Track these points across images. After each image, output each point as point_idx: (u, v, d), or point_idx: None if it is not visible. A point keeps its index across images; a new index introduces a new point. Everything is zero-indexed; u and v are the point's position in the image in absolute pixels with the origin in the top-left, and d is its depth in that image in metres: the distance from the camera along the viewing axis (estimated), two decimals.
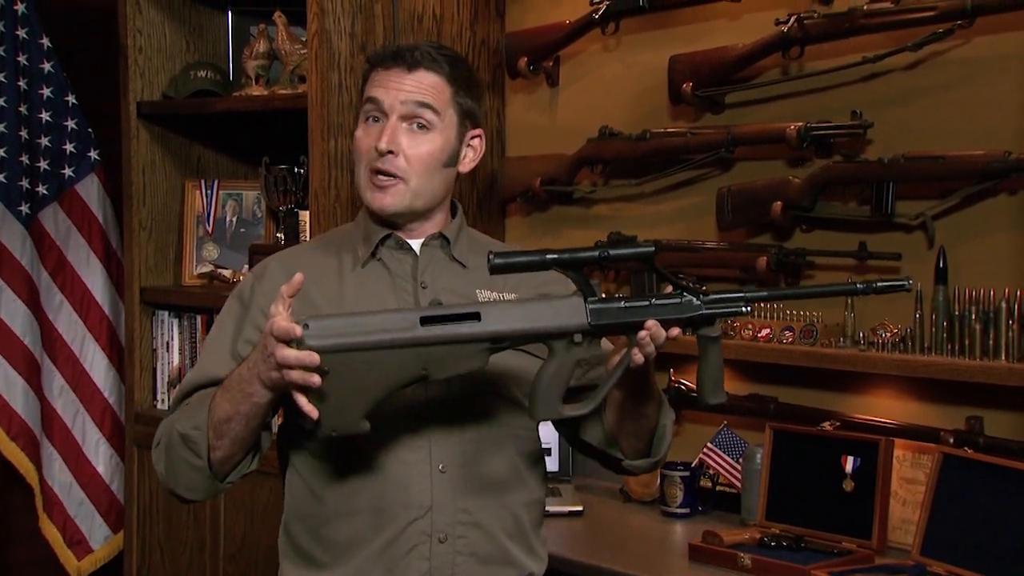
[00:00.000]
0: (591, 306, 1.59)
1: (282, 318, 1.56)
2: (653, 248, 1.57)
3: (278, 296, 1.59)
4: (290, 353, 1.54)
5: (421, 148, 1.78)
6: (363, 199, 1.81)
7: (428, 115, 1.78)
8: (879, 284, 1.61)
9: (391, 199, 1.78)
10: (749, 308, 1.61)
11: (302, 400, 1.57)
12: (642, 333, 1.58)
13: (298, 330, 1.53)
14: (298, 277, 1.59)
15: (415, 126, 1.78)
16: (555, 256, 1.57)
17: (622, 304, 1.59)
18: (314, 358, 1.53)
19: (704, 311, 1.59)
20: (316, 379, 1.54)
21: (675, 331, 1.61)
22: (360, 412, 1.59)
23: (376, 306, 1.79)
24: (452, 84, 1.81)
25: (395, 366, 1.57)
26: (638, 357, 1.60)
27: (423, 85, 1.78)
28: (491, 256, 1.57)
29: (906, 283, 1.62)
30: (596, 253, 1.57)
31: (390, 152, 1.76)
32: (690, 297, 1.59)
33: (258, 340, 1.64)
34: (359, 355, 1.55)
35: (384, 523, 1.75)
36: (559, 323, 1.59)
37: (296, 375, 1.55)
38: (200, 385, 1.80)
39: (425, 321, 1.57)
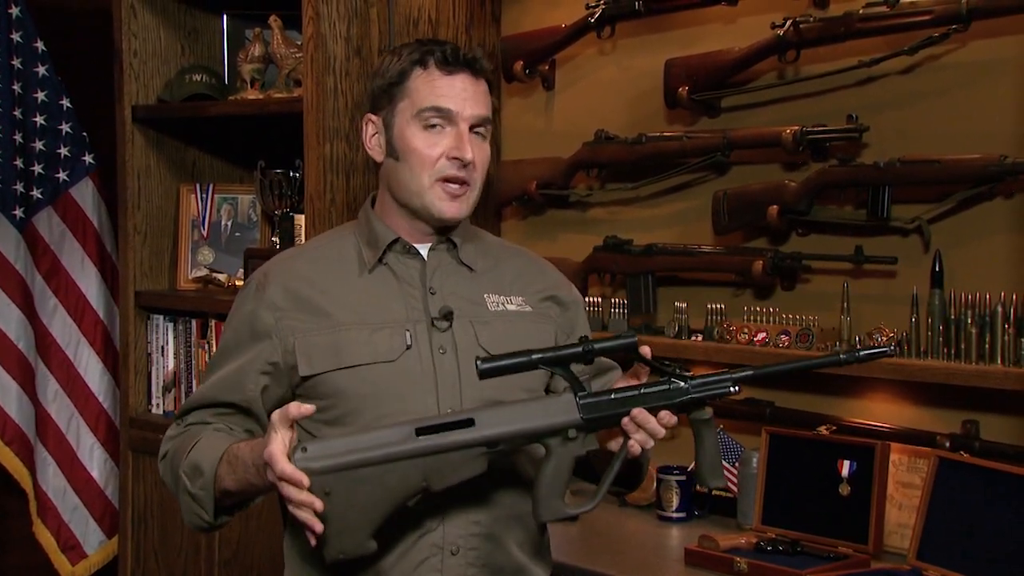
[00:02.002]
0: (582, 401, 1.62)
1: (282, 446, 1.55)
2: (635, 337, 1.61)
3: (283, 413, 1.58)
4: (298, 497, 1.55)
5: (483, 155, 1.80)
6: (424, 206, 1.78)
7: (489, 125, 1.81)
8: (862, 353, 1.64)
9: (462, 206, 1.79)
10: (738, 388, 1.64)
11: (309, 533, 1.58)
12: (626, 420, 1.61)
13: (305, 481, 1.54)
14: (309, 408, 1.59)
15: (478, 134, 1.79)
16: (540, 356, 1.60)
17: (612, 396, 1.62)
18: (317, 505, 1.54)
19: (692, 394, 1.62)
20: (319, 527, 1.56)
21: (666, 416, 1.62)
22: (366, 532, 1.61)
23: (384, 312, 1.78)
24: (491, 90, 1.83)
25: (395, 480, 1.59)
26: (635, 448, 1.62)
27: (485, 93, 1.80)
28: (478, 362, 1.59)
29: (888, 349, 1.67)
30: (580, 349, 1.60)
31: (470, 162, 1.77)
32: (678, 382, 1.62)
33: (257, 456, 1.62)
34: (359, 473, 1.58)
35: (395, 537, 1.74)
36: (552, 421, 1.62)
37: (302, 514, 1.56)
38: (205, 404, 1.83)
39: (420, 432, 1.60)
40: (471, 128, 1.77)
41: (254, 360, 1.79)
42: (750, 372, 1.66)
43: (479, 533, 1.76)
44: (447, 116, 1.76)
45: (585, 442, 1.64)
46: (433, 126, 1.77)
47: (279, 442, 1.56)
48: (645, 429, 1.61)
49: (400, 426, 1.61)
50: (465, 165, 1.76)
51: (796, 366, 1.73)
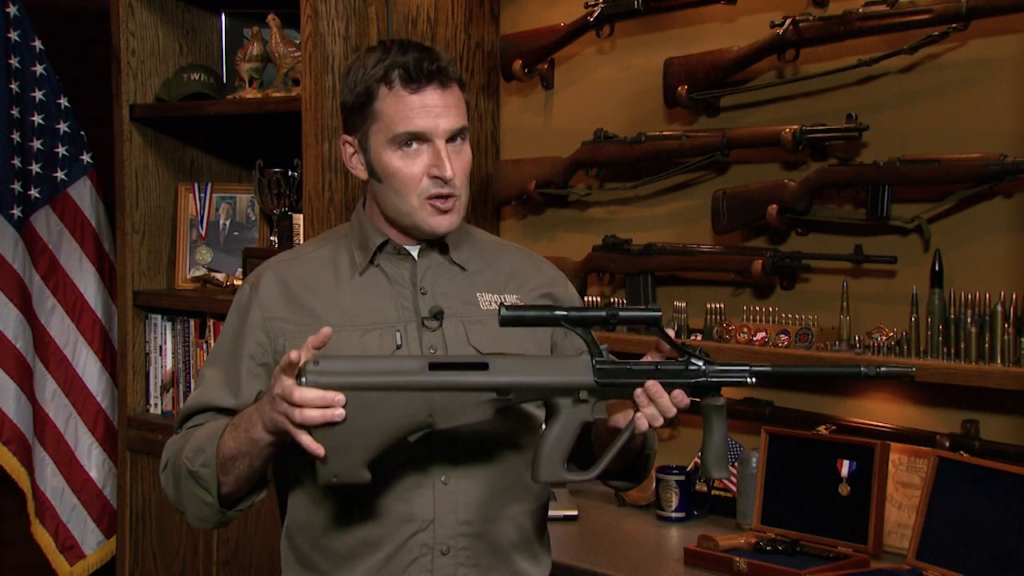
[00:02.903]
0: (598, 365, 1.61)
1: (295, 361, 1.54)
2: (659, 312, 1.60)
3: (305, 346, 1.57)
4: (311, 394, 1.54)
5: (463, 162, 1.78)
6: (416, 224, 1.77)
7: (465, 131, 1.78)
8: (883, 369, 1.63)
9: (453, 218, 1.77)
10: (754, 380, 1.63)
11: (307, 439, 1.56)
12: (638, 391, 1.60)
13: (340, 398, 1.53)
14: (326, 331, 1.58)
15: (456, 142, 1.77)
16: (564, 313, 1.59)
17: (628, 366, 1.62)
18: (339, 398, 1.53)
19: (709, 378, 1.62)
20: (340, 412, 1.54)
21: (679, 395, 1.61)
22: (363, 458, 1.59)
23: (375, 314, 1.78)
24: (463, 90, 1.80)
25: (401, 409, 1.58)
26: (642, 423, 1.61)
27: (457, 100, 1.77)
28: (501, 308, 1.58)
29: (910, 371, 1.65)
30: (604, 314, 1.60)
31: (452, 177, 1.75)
32: (696, 363, 1.62)
33: (268, 382, 1.62)
34: (366, 395, 1.57)
35: (386, 535, 1.74)
36: (566, 379, 1.61)
37: (315, 414, 1.54)
38: (200, 409, 1.81)
39: (433, 367, 1.59)
40: (450, 139, 1.75)
41: (247, 362, 1.79)
42: (769, 368, 1.65)
43: (469, 533, 1.75)
44: (421, 137, 1.74)
45: (595, 409, 1.62)
46: (409, 145, 1.74)
47: (287, 360, 1.54)
48: (657, 404, 1.60)
49: (414, 358, 1.61)
50: (447, 181, 1.74)
51: (817, 371, 1.73)
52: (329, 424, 1.54)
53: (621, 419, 1.66)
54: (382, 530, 1.73)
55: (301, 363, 1.55)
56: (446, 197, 1.75)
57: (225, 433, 1.69)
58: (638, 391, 1.60)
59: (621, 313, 1.59)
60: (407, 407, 1.58)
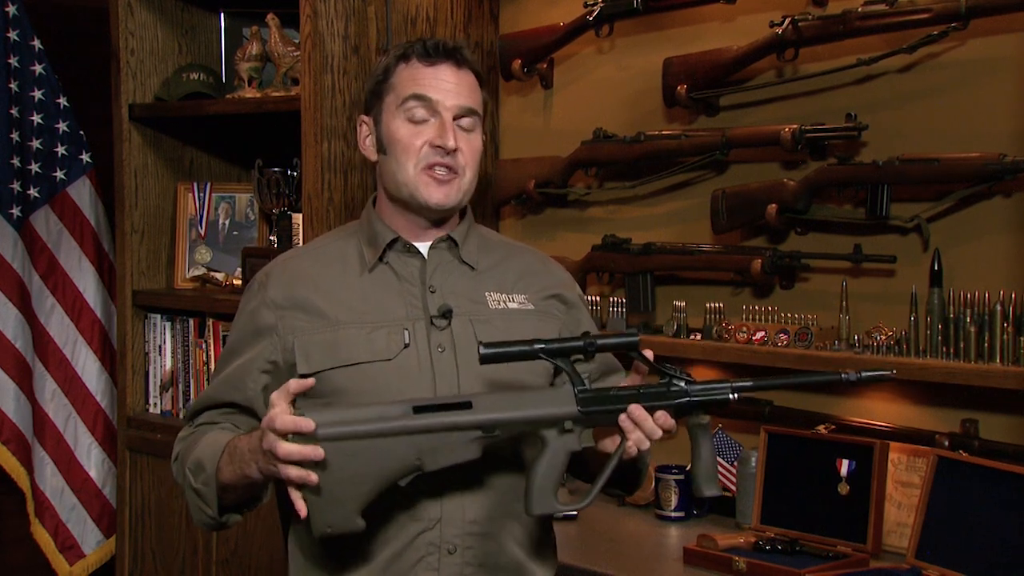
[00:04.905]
0: (580, 394, 1.62)
1: (283, 411, 1.56)
2: (637, 336, 1.62)
3: (282, 389, 1.59)
4: (293, 448, 1.55)
5: (474, 144, 1.80)
6: (412, 195, 1.78)
7: (474, 116, 1.81)
8: (865, 374, 1.63)
9: (450, 192, 1.78)
10: (736, 396, 1.64)
11: (295, 495, 1.58)
12: (623, 417, 1.61)
13: (310, 424, 1.54)
14: (309, 382, 1.60)
15: (465, 124, 1.79)
16: (543, 346, 1.61)
17: (610, 392, 1.63)
18: (318, 452, 1.54)
19: (691, 397, 1.63)
20: (314, 478, 1.55)
21: (662, 417, 1.62)
22: (355, 507, 1.60)
23: (383, 311, 1.78)
24: (480, 83, 1.83)
25: (389, 455, 1.59)
26: (631, 449, 1.63)
27: (471, 85, 1.80)
28: (480, 347, 1.60)
29: (890, 374, 1.66)
30: (581, 343, 1.61)
31: (455, 149, 1.76)
32: (678, 384, 1.63)
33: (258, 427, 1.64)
34: (353, 444, 1.57)
35: (392, 534, 1.74)
36: (550, 411, 1.62)
37: (294, 472, 1.55)
38: (211, 405, 1.84)
39: (417, 410, 1.60)
40: (457, 117, 1.78)
41: (255, 359, 1.80)
42: (750, 383, 1.66)
43: (476, 532, 1.76)
44: (429, 106, 1.77)
45: (581, 437, 1.64)
46: (418, 120, 1.77)
47: (276, 411, 1.57)
48: (642, 428, 1.61)
49: (398, 403, 1.61)
50: (449, 153, 1.76)
51: (798, 381, 1.75)
52: (318, 465, 1.55)
53: (609, 443, 1.67)
54: (389, 528, 1.74)
55: (283, 415, 1.56)
56: (447, 169, 1.76)
57: (222, 459, 1.70)
58: (623, 417, 1.61)
59: (599, 341, 1.61)
60: (394, 452, 1.59)
